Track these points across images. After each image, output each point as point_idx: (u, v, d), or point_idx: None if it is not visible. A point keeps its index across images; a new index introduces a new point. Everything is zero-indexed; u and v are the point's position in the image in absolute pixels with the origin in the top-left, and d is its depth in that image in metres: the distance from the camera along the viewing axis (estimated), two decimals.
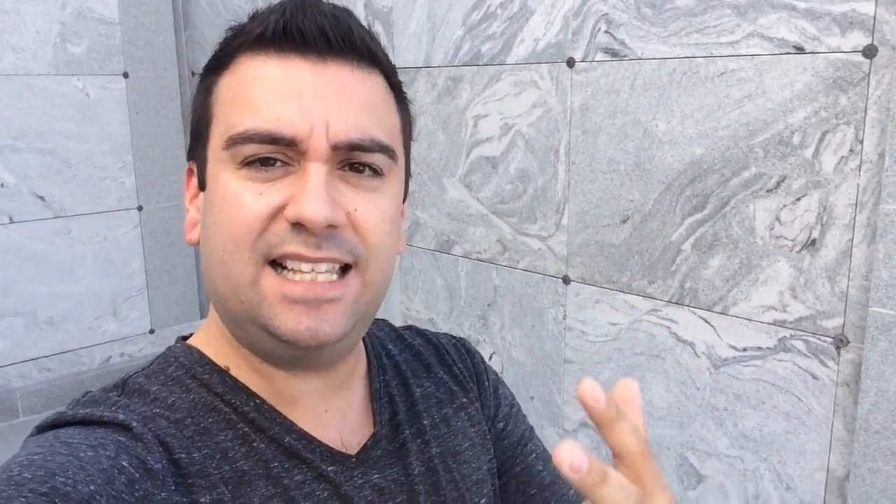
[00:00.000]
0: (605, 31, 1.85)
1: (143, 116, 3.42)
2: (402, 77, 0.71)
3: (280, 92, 0.59)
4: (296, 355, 0.64)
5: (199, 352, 0.66)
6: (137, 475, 0.54)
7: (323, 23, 0.60)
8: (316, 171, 0.59)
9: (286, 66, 0.60)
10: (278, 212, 0.59)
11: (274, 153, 0.59)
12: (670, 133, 1.75)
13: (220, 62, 0.64)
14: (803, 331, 1.61)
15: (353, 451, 0.67)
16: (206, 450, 0.60)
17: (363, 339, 0.76)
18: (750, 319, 1.69)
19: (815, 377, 1.61)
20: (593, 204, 1.94)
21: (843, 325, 1.55)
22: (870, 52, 1.44)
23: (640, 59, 1.79)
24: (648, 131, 1.79)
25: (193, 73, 3.55)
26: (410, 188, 0.83)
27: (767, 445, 1.70)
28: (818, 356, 1.60)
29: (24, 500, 0.48)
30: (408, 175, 0.72)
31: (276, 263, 0.60)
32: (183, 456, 0.58)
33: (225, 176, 0.60)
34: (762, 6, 1.57)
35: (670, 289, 1.82)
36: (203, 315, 3.77)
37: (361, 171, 0.62)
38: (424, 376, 0.78)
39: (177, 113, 3.53)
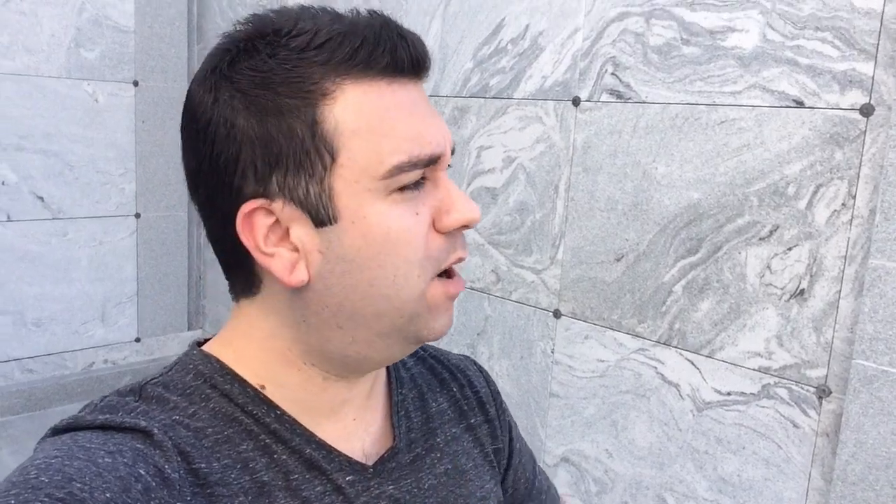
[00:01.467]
0: (612, 73, 1.90)
1: (148, 125, 3.46)
2: None
3: (417, 115, 0.62)
4: (403, 355, 0.69)
5: (218, 361, 0.67)
6: (154, 483, 0.54)
7: (425, 48, 0.64)
8: (448, 179, 0.64)
9: (403, 89, 0.62)
10: (430, 226, 0.63)
11: (425, 173, 0.63)
12: (669, 176, 1.79)
13: (309, 90, 0.59)
14: (787, 379, 1.63)
15: (371, 461, 0.68)
16: (227, 460, 0.61)
17: None
18: (735, 364, 1.71)
19: (795, 426, 1.63)
20: (589, 241, 1.97)
21: (827, 375, 1.58)
22: (867, 110, 1.49)
23: (643, 102, 1.83)
24: (648, 173, 1.83)
25: None
26: None
27: (745, 491, 1.71)
28: (800, 405, 1.62)
29: (40, 503, 0.49)
30: None
31: (439, 274, 0.65)
32: (203, 466, 0.59)
33: (377, 205, 0.61)
34: (766, 59, 1.62)
35: (659, 329, 1.84)
36: (191, 327, 3.77)
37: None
38: (438, 391, 0.80)
39: None
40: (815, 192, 1.57)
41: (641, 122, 1.84)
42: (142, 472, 0.54)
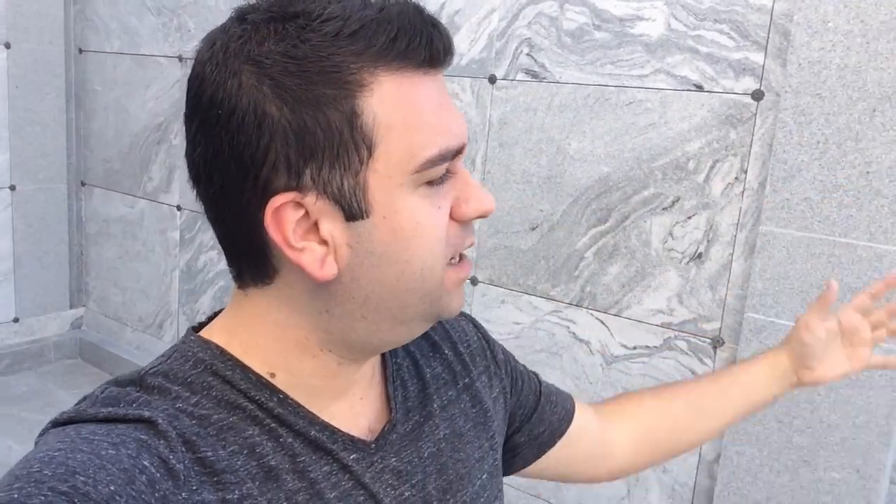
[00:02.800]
0: (527, 54, 2.02)
1: (22, 91, 3.24)
2: None
3: (445, 107, 0.62)
4: (414, 335, 0.69)
5: (218, 347, 0.65)
6: (158, 475, 0.53)
7: (448, 35, 0.62)
8: (464, 169, 0.65)
9: (433, 80, 0.61)
10: (450, 217, 0.63)
11: (448, 166, 0.62)
12: (581, 151, 1.95)
13: (347, 80, 0.57)
14: (686, 332, 1.84)
15: (374, 436, 0.69)
16: (233, 446, 0.60)
17: None
18: (640, 321, 1.90)
19: (693, 372, 1.84)
20: (505, 211, 2.10)
21: (721, 328, 1.80)
22: (757, 95, 1.70)
23: (557, 82, 1.97)
24: (561, 148, 1.98)
25: (81, 51, 3.40)
26: None
27: None
28: (697, 354, 1.83)
29: (43, 497, 0.48)
30: None
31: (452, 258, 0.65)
32: (209, 453, 0.58)
33: (409, 199, 0.60)
34: (670, 47, 1.80)
35: (571, 292, 2.01)
36: (73, 305, 3.59)
37: None
38: (431, 356, 0.80)
39: (61, 90, 3.36)
40: (711, 167, 1.78)
41: (555, 100, 1.98)
42: (146, 463, 0.53)
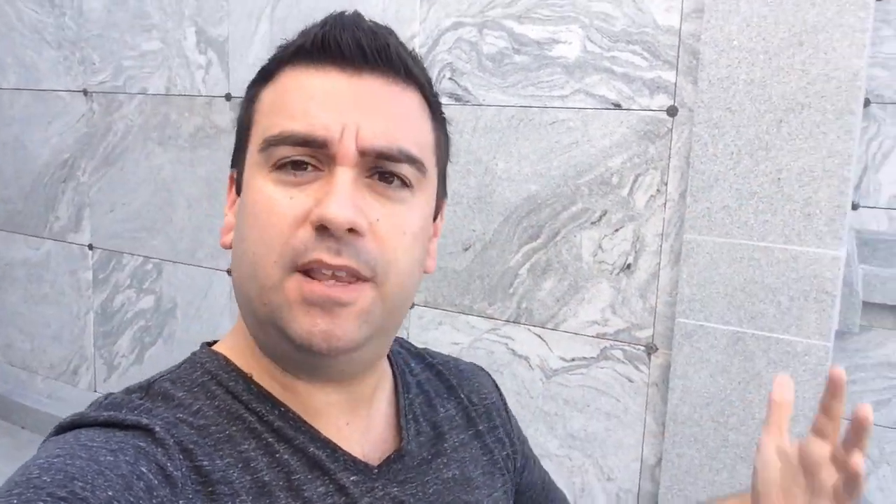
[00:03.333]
0: (450, 78, 2.05)
1: None
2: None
3: (317, 100, 0.61)
4: (313, 363, 0.63)
5: (225, 358, 0.66)
6: (156, 482, 0.53)
7: (360, 37, 0.61)
8: (342, 175, 0.59)
9: (324, 76, 0.61)
10: (306, 217, 0.59)
11: (305, 156, 0.59)
12: (508, 171, 1.99)
13: (265, 75, 0.65)
14: (621, 341, 1.91)
15: (373, 463, 0.67)
16: (229, 458, 0.60)
17: (388, 357, 0.75)
18: (577, 333, 1.96)
19: (630, 380, 1.91)
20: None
21: (653, 334, 1.87)
22: (672, 111, 1.79)
23: (481, 104, 2.02)
24: (489, 169, 2.02)
25: None
26: None
27: (591, 443, 1.97)
28: (633, 362, 1.90)
29: (42, 503, 0.48)
30: (442, 194, 0.71)
31: (301, 271, 0.59)
32: (206, 463, 0.58)
33: (258, 180, 0.61)
34: (587, 68, 1.87)
35: (508, 309, 2.04)
36: None
37: (390, 182, 0.62)
38: (446, 397, 0.79)
39: None
40: (634, 181, 1.85)
41: (480, 122, 2.02)
42: (144, 470, 0.53)
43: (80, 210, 3.00)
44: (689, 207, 1.74)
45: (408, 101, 0.64)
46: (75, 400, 3.11)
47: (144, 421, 0.57)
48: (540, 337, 2.01)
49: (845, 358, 1.91)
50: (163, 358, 2.83)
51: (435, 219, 0.71)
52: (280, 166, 0.60)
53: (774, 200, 1.65)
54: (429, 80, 0.68)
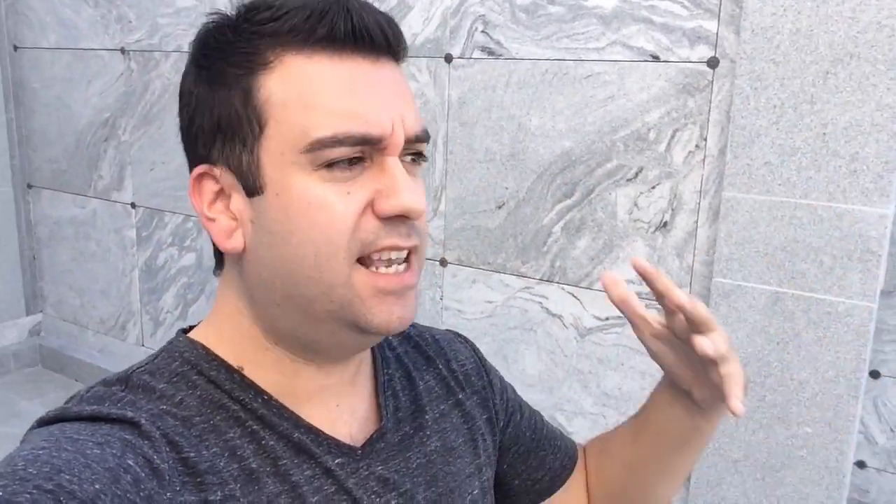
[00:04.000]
0: (482, 31, 2.00)
1: None
2: None
3: (359, 94, 0.60)
4: (362, 345, 0.67)
5: (204, 347, 0.66)
6: (143, 474, 0.53)
7: (382, 23, 0.61)
8: (397, 165, 0.61)
9: (349, 65, 0.60)
10: (365, 209, 0.60)
11: (360, 153, 0.60)
12: (542, 127, 1.95)
13: (250, 59, 0.60)
14: (656, 301, 1.87)
15: (359, 444, 0.68)
16: (215, 448, 0.60)
17: None
18: None
19: None
20: (470, 191, 2.09)
21: (690, 294, 1.83)
22: (713, 63, 1.72)
23: (514, 58, 1.96)
24: (522, 125, 1.98)
25: (16, 47, 3.27)
26: None
27: (626, 402, 1.95)
28: None
29: (28, 496, 0.47)
30: None
31: (363, 260, 0.61)
32: (192, 454, 0.58)
33: (301, 179, 0.59)
34: (625, 18, 1.80)
35: (542, 268, 2.02)
36: (29, 311, 3.50)
37: (417, 162, 0.65)
38: (425, 369, 0.80)
39: None
40: (672, 137, 1.79)
41: (514, 77, 1.97)
42: (130, 463, 0.53)
43: (122, 169, 3.05)
44: (728, 164, 1.68)
45: (407, 81, 0.67)
46: (125, 354, 3.22)
47: (130, 414, 0.57)
48: (574, 296, 1.98)
49: (893, 316, 1.85)
50: (206, 313, 2.89)
51: None
52: (329, 164, 0.59)
53: (819, 156, 1.58)
54: None
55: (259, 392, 0.64)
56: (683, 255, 1.82)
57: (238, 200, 0.62)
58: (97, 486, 0.50)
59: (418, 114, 0.64)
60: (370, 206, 0.60)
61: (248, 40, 0.60)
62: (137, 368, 0.64)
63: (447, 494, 0.73)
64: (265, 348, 0.65)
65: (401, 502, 0.68)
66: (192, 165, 0.64)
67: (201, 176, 0.63)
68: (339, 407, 0.69)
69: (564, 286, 1.99)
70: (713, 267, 1.73)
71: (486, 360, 0.88)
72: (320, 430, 0.65)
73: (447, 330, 0.88)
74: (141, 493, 0.52)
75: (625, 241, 1.89)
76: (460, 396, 0.80)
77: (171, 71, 2.76)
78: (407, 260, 0.63)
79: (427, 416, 0.75)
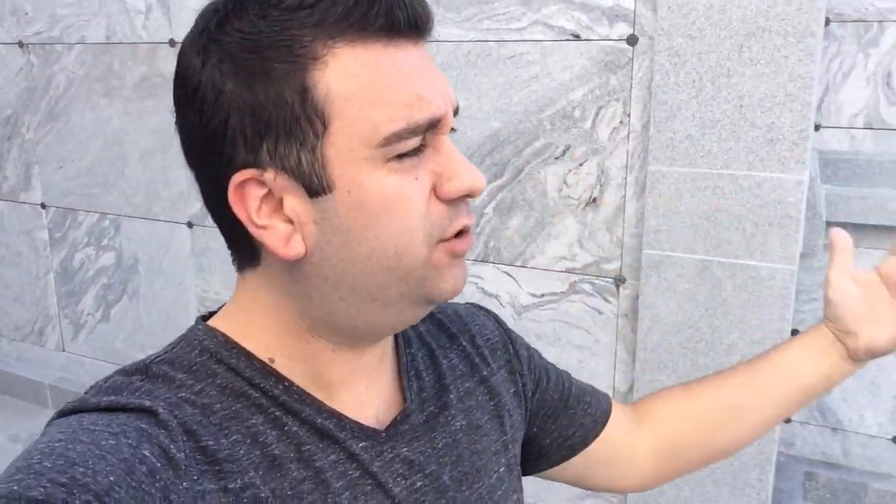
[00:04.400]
0: None
1: None
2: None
3: (415, 78, 0.59)
4: (417, 318, 0.67)
5: (223, 335, 0.65)
6: (159, 465, 0.53)
7: (418, 4, 0.60)
8: (450, 144, 0.61)
9: (400, 51, 0.59)
10: (432, 192, 0.60)
11: (423, 138, 0.59)
12: (469, 109, 1.95)
13: (298, 54, 0.57)
14: (589, 274, 1.92)
15: (384, 426, 0.68)
16: (236, 435, 0.60)
17: None
18: (546, 269, 1.96)
19: (600, 312, 1.93)
20: None
21: (621, 267, 1.88)
22: (632, 40, 1.75)
23: (437, 41, 1.95)
24: None
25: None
26: None
27: None
28: (602, 294, 1.91)
29: (42, 489, 0.48)
30: None
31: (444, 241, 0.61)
32: (211, 443, 0.58)
33: (374, 173, 0.58)
34: None
35: (476, 249, 2.03)
36: None
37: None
38: (448, 347, 0.79)
39: None
40: (596, 114, 1.83)
41: (437, 59, 1.96)
42: (146, 453, 0.53)
43: (28, 168, 2.89)
44: (652, 138, 1.72)
45: None
46: (44, 360, 3.08)
47: (147, 403, 0.57)
48: (509, 274, 2.01)
49: (809, 276, 1.95)
50: (130, 314, 2.79)
51: None
52: (397, 155, 0.58)
53: (737, 127, 1.64)
54: None
55: (280, 379, 0.64)
56: (613, 229, 1.87)
57: (295, 203, 0.59)
58: (111, 478, 0.50)
59: None
60: (434, 189, 0.60)
61: (287, 31, 0.56)
62: (156, 358, 0.63)
63: (473, 473, 0.73)
64: (306, 341, 0.65)
65: (426, 483, 0.69)
66: (214, 170, 0.60)
67: (245, 182, 0.59)
68: (368, 389, 0.68)
69: (499, 266, 2.01)
70: (642, 239, 1.78)
71: (511, 330, 0.87)
72: (343, 415, 0.65)
73: (468, 303, 0.87)
74: (157, 484, 0.52)
75: (556, 219, 1.92)
76: (485, 373, 0.79)
77: (75, 64, 2.62)
78: None
79: (451, 395, 0.74)
